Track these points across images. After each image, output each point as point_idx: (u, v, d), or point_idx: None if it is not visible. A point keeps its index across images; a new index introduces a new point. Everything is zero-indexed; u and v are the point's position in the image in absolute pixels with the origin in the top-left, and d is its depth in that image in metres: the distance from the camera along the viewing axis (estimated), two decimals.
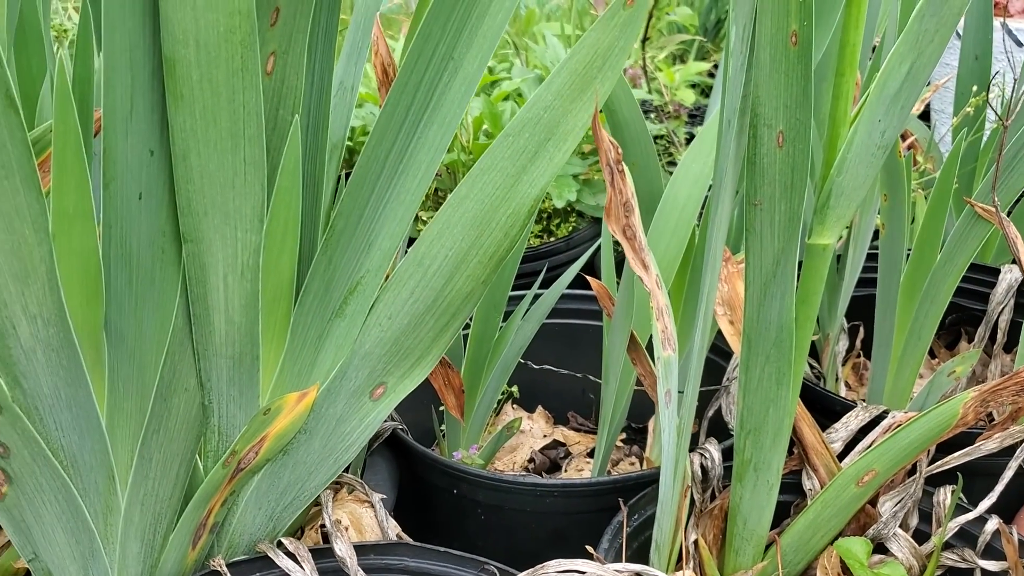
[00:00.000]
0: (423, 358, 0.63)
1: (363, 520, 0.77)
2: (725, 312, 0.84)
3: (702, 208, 0.87)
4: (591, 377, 1.04)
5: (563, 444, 1.05)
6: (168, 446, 0.65)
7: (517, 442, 1.04)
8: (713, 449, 0.81)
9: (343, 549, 0.68)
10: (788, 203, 0.67)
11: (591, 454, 1.04)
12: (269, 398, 0.67)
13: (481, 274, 0.58)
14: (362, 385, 0.65)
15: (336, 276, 0.63)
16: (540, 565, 0.63)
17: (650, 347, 0.89)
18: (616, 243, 0.65)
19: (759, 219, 0.68)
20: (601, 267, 0.85)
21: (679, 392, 0.69)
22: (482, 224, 0.57)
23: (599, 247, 1.10)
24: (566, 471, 1.00)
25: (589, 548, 0.71)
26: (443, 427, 1.01)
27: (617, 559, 0.73)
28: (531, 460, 1.02)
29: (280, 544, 0.69)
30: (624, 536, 0.74)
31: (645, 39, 1.66)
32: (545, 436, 1.06)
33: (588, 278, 0.80)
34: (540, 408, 1.11)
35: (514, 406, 1.10)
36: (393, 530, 0.76)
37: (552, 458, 1.02)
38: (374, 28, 0.65)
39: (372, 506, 0.78)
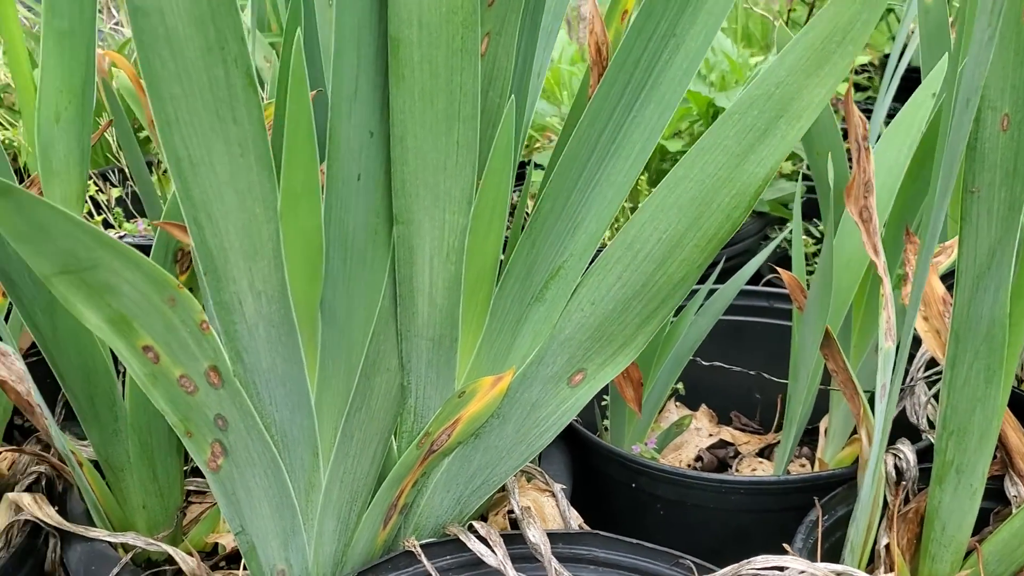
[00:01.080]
0: (627, 345, 0.62)
1: (545, 509, 0.76)
2: (919, 308, 0.80)
3: None
4: (765, 375, 1.01)
5: (730, 444, 1.03)
6: (368, 425, 0.66)
7: (681, 440, 1.02)
8: (907, 450, 0.78)
9: (536, 536, 0.67)
10: (1009, 190, 0.63)
11: (761, 454, 1.01)
12: (465, 381, 0.67)
13: (697, 258, 0.57)
14: (560, 371, 0.65)
15: (538, 259, 0.63)
16: (746, 560, 0.61)
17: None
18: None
19: (975, 207, 0.65)
20: (792, 259, 0.82)
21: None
22: (701, 206, 0.55)
23: (769, 241, 1.07)
24: (737, 471, 0.98)
25: (786, 547, 0.68)
26: (606, 421, 1.00)
27: (811, 558, 0.70)
28: (698, 458, 1.00)
29: (471, 528, 0.70)
30: (819, 535, 0.71)
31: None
32: (711, 435, 1.03)
33: (780, 270, 0.77)
34: (704, 406, 1.09)
35: (677, 404, 1.08)
36: (575, 520, 0.76)
37: (720, 457, 1.00)
38: (590, 7, 0.65)
39: (553, 495, 0.77)
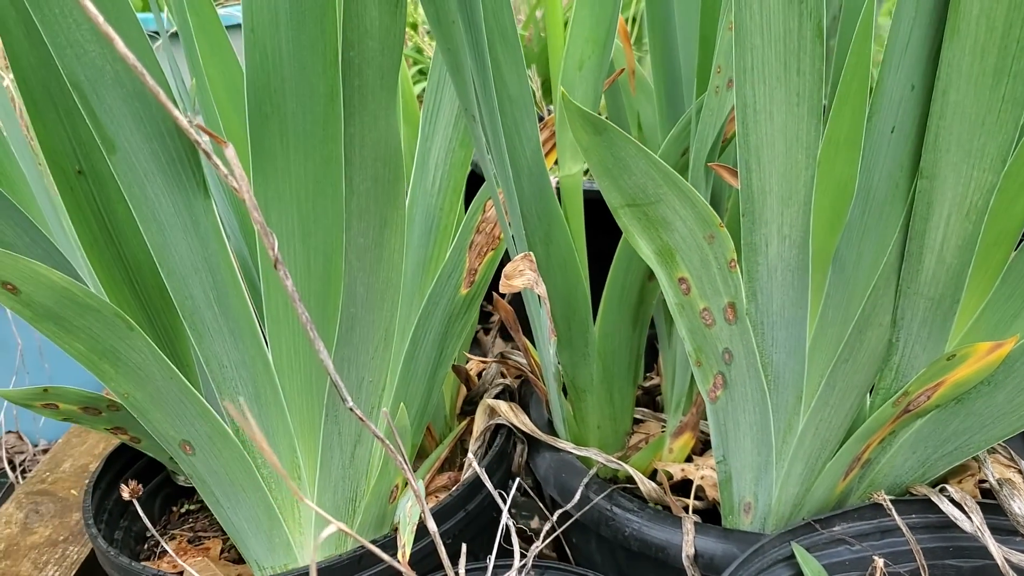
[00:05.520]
0: None
1: (1015, 485, 0.73)
2: None
3: None
4: None
5: None
6: (851, 377, 0.67)
7: None
8: None
9: (1022, 508, 0.65)
10: None
11: None
12: (958, 344, 0.66)
13: None
14: None
15: None
16: None
17: None
18: None
19: None
20: None
21: None
22: None
23: None
24: None
25: None
26: None
27: None
28: None
29: (944, 490, 0.69)
30: None
31: None
32: None
33: None
34: None
35: None
36: None
37: None
38: None
39: (1021, 472, 0.74)
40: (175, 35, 0.76)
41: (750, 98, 0.54)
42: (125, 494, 0.61)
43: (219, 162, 0.46)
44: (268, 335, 0.63)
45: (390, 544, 0.72)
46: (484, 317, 1.47)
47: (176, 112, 0.45)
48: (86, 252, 0.69)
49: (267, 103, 0.55)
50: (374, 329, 0.64)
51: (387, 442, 0.54)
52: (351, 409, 0.52)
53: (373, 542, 0.72)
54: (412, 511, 0.65)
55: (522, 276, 0.63)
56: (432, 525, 0.55)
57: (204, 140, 0.64)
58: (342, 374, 0.64)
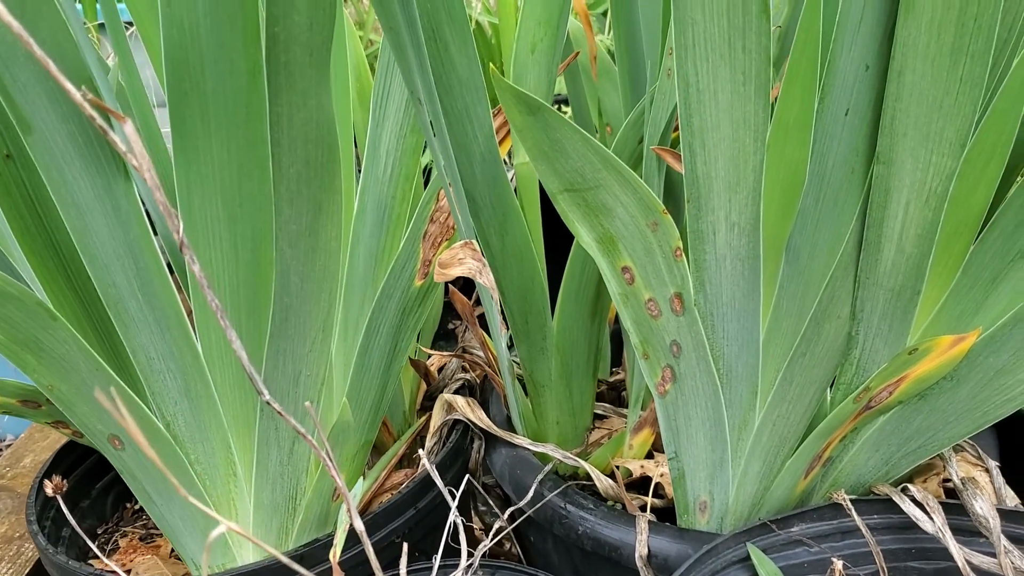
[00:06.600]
0: None
1: (978, 483, 0.71)
2: None
3: None
4: None
5: None
6: (809, 372, 0.65)
7: None
8: None
9: (984, 508, 0.63)
10: None
11: None
12: (919, 337, 0.64)
13: None
14: None
15: None
16: None
17: None
18: None
19: None
20: None
21: None
22: None
23: None
24: None
25: None
26: None
27: None
28: None
29: (905, 490, 0.66)
30: None
31: None
32: None
33: None
34: None
35: None
36: (1010, 500, 0.70)
37: None
38: None
39: (987, 471, 0.72)
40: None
41: (692, 77, 0.51)
42: (48, 490, 0.58)
43: (116, 138, 0.43)
44: (197, 325, 0.61)
45: (331, 544, 0.69)
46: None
47: (68, 84, 0.42)
48: (18, 240, 0.67)
49: (186, 80, 0.52)
50: (311, 320, 0.62)
51: (308, 436, 0.51)
52: (268, 402, 0.50)
53: (315, 541, 0.69)
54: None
55: (462, 264, 0.60)
56: (359, 524, 0.52)
57: (131, 131, 0.61)
58: (277, 368, 0.61)
